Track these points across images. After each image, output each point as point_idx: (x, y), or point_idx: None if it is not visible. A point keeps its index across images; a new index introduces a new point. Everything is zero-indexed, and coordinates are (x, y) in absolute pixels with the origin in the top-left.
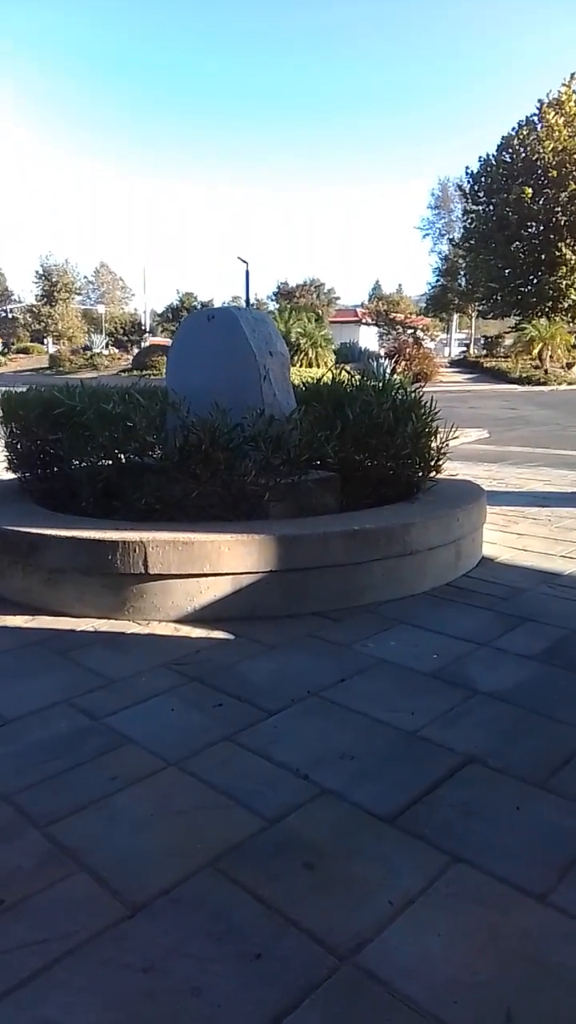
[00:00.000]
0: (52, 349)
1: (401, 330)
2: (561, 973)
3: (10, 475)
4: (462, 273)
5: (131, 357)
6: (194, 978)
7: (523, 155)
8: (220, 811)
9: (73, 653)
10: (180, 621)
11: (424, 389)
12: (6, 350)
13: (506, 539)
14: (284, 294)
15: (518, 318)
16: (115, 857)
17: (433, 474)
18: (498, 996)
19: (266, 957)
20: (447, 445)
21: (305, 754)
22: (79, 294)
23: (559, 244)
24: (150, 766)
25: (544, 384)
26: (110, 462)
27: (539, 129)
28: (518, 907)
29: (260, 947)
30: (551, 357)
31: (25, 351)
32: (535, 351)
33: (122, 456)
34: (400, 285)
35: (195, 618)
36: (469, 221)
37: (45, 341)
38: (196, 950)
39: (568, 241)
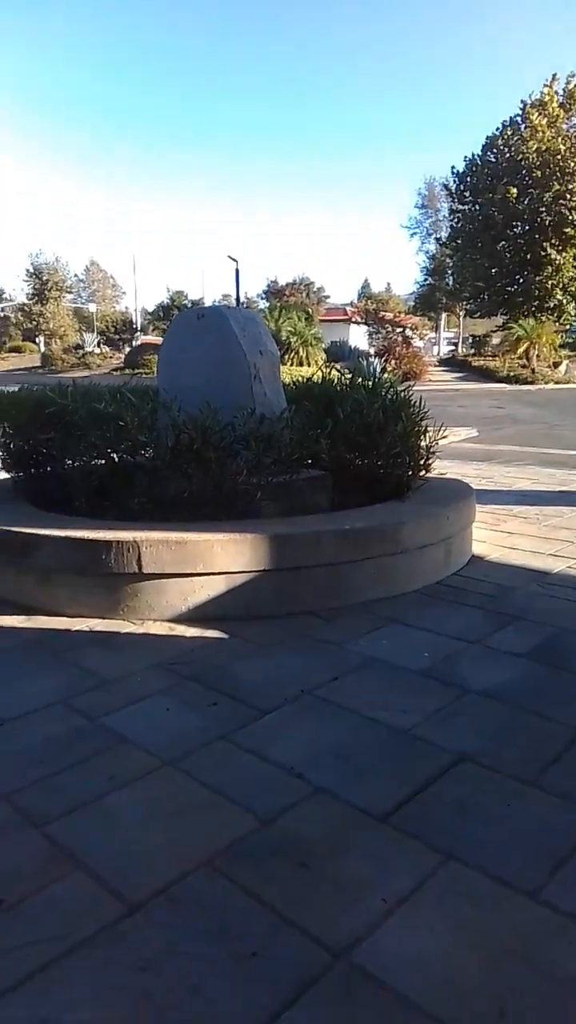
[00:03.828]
0: (44, 348)
1: (390, 329)
2: (554, 970)
3: (3, 475)
4: (449, 272)
5: (123, 356)
6: (191, 976)
7: (507, 155)
8: (215, 810)
9: (68, 653)
10: (174, 620)
11: (413, 388)
12: None
13: (495, 537)
14: (274, 292)
15: (505, 317)
16: (112, 857)
17: (423, 473)
18: (492, 993)
19: (261, 955)
20: (436, 444)
21: (299, 753)
22: (70, 292)
23: (544, 244)
24: (146, 766)
25: (531, 383)
26: (103, 461)
27: (523, 130)
28: (510, 904)
29: (255, 946)
30: (538, 356)
31: (17, 350)
32: (522, 350)
33: (114, 455)
34: (389, 284)
35: (189, 617)
36: (455, 220)
37: (37, 340)
38: (193, 949)
39: (553, 241)
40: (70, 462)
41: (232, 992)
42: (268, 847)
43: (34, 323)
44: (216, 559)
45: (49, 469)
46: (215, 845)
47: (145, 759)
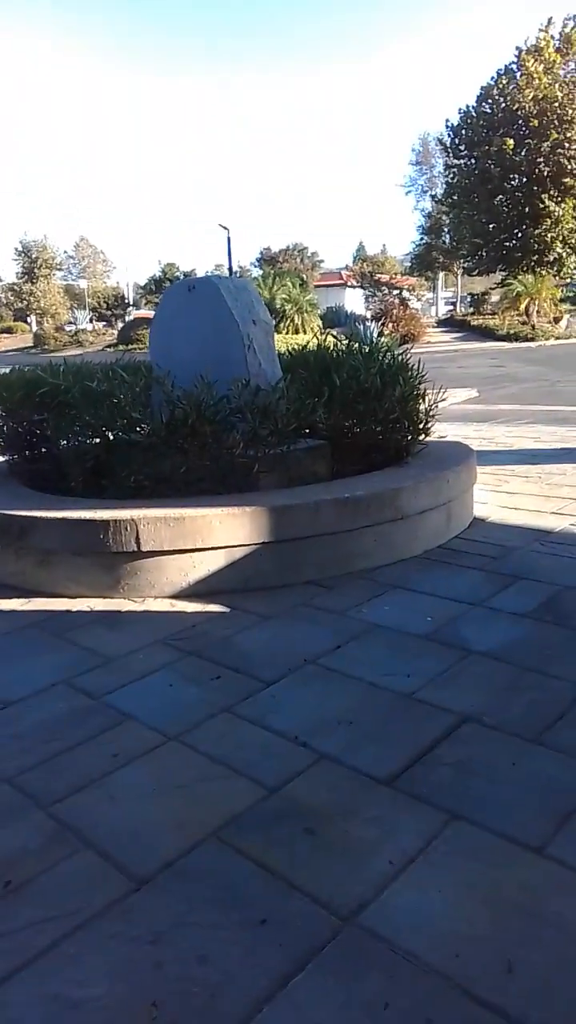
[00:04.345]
0: (36, 327)
1: (387, 291)
2: (560, 923)
3: None
4: (446, 230)
5: (116, 332)
6: (201, 946)
7: (503, 105)
8: (221, 782)
9: (70, 633)
10: (175, 596)
11: (412, 351)
12: None
13: (497, 499)
14: (267, 260)
15: (504, 274)
16: (119, 833)
17: (422, 437)
18: (499, 948)
19: (270, 922)
20: (436, 407)
21: (303, 721)
22: (60, 269)
23: (542, 196)
24: (150, 741)
25: (532, 340)
26: (97, 440)
27: (518, 77)
28: (516, 861)
29: (264, 913)
30: (538, 312)
31: (9, 331)
32: (522, 306)
33: (109, 434)
34: (384, 245)
35: (190, 593)
36: (451, 176)
37: (28, 319)
38: (202, 919)
39: (551, 192)
40: (64, 442)
41: (242, 960)
42: (275, 815)
43: (24, 302)
44: (215, 534)
45: (44, 450)
46: (222, 816)
47: (149, 735)
